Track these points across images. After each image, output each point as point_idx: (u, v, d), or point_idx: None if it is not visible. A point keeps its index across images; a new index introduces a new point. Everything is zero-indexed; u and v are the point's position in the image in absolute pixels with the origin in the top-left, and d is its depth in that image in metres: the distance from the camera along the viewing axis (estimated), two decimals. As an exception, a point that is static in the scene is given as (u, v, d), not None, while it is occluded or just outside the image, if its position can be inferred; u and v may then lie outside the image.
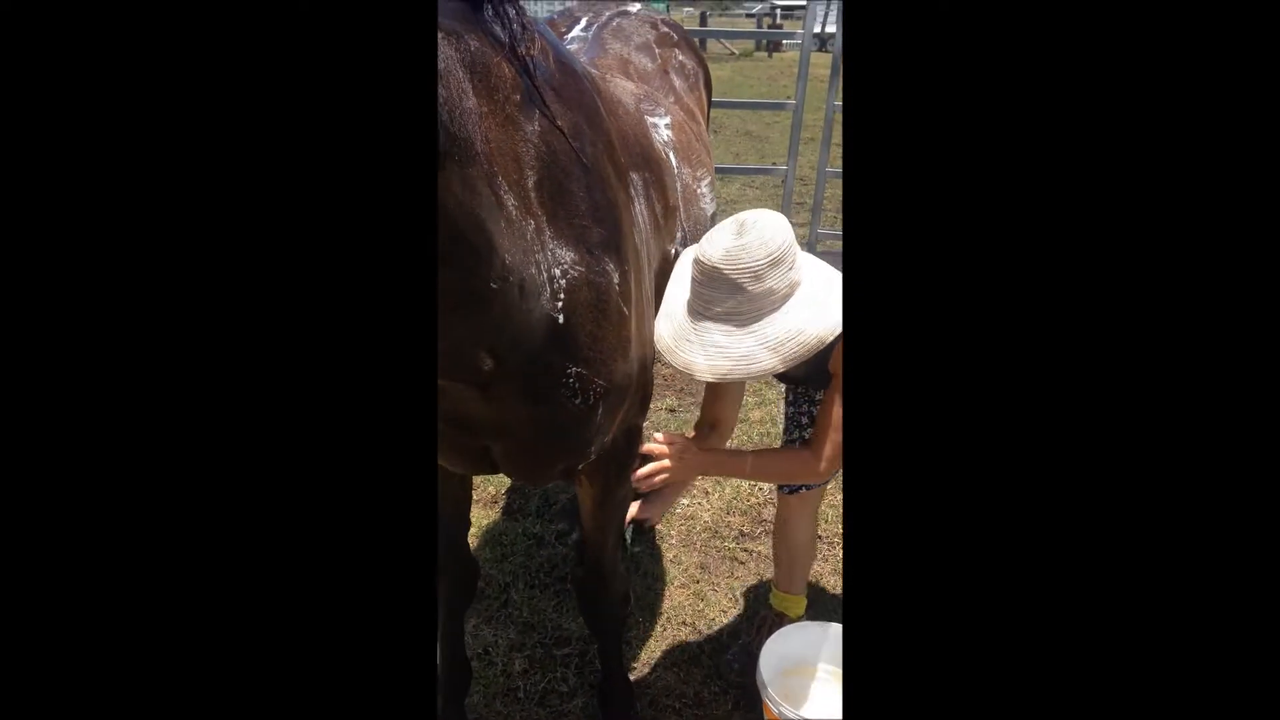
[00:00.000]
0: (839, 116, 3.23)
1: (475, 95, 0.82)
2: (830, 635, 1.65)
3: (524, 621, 1.93)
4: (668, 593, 2.06)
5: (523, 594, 2.02)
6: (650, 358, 1.25)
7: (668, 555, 2.20)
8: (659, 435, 1.36)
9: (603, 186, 1.07)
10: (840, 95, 3.55)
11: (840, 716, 1.47)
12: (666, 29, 1.80)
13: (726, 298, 1.17)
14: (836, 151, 7.84)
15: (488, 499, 2.40)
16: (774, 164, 5.99)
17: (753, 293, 1.16)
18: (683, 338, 1.21)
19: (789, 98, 3.53)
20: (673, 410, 2.98)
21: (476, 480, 2.32)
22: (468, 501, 1.55)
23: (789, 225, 1.24)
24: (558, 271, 0.98)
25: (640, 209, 1.22)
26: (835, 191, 5.98)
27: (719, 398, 1.57)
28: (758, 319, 1.17)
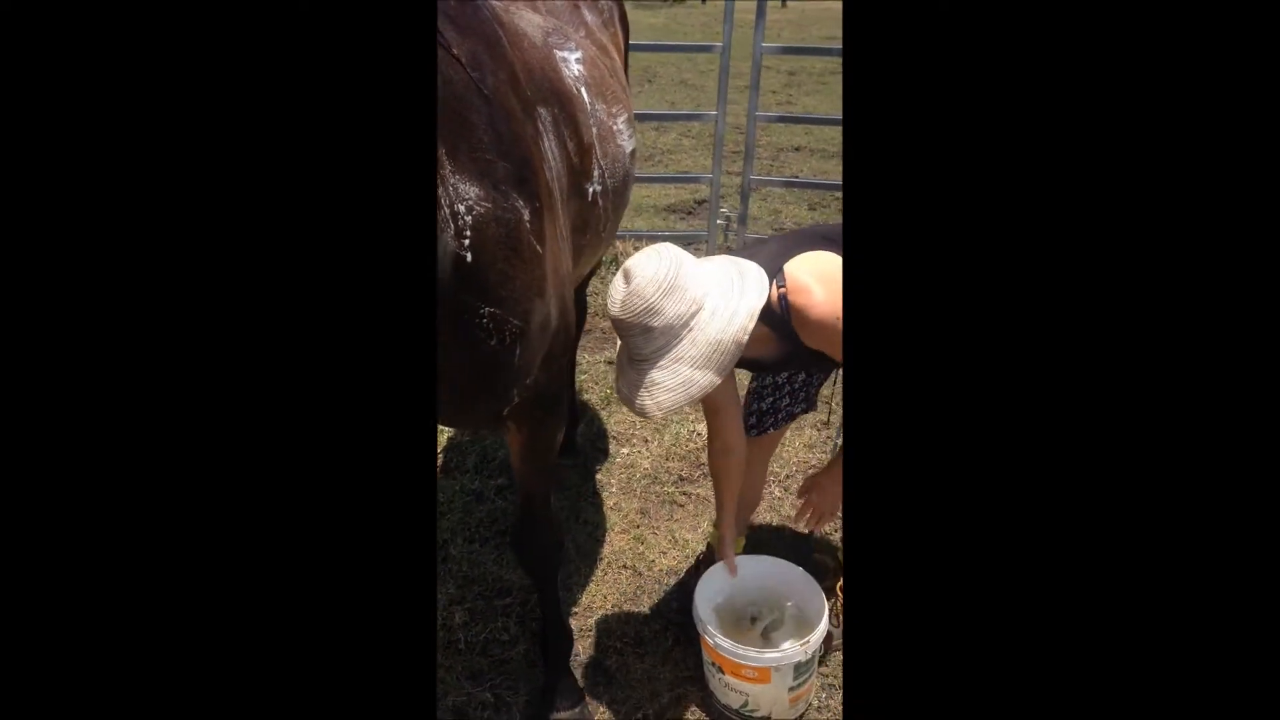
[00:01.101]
0: (767, 60, 3.20)
1: None
2: (761, 570, 1.70)
3: (464, 575, 1.93)
4: (608, 538, 2.08)
5: (461, 549, 2.01)
6: (570, 297, 1.23)
7: (608, 503, 2.22)
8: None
9: (507, 119, 1.03)
10: (766, 38, 3.51)
11: (772, 649, 1.54)
12: None
13: (643, 340, 1.25)
14: (769, 97, 7.78)
15: (424, 458, 2.36)
16: (708, 111, 5.91)
17: (660, 327, 1.23)
18: (633, 386, 1.28)
19: (720, 39, 3.47)
20: (611, 362, 2.97)
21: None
22: None
23: (674, 250, 1.29)
24: (462, 208, 0.95)
25: (550, 145, 1.19)
26: (768, 138, 5.98)
27: (718, 420, 1.60)
28: (678, 345, 1.24)
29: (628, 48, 1.98)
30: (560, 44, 1.39)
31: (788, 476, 2.33)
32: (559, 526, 1.52)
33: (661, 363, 1.25)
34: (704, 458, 2.41)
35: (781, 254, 1.36)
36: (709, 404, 1.56)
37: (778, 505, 2.21)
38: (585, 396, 2.73)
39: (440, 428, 1.63)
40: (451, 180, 0.93)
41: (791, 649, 1.48)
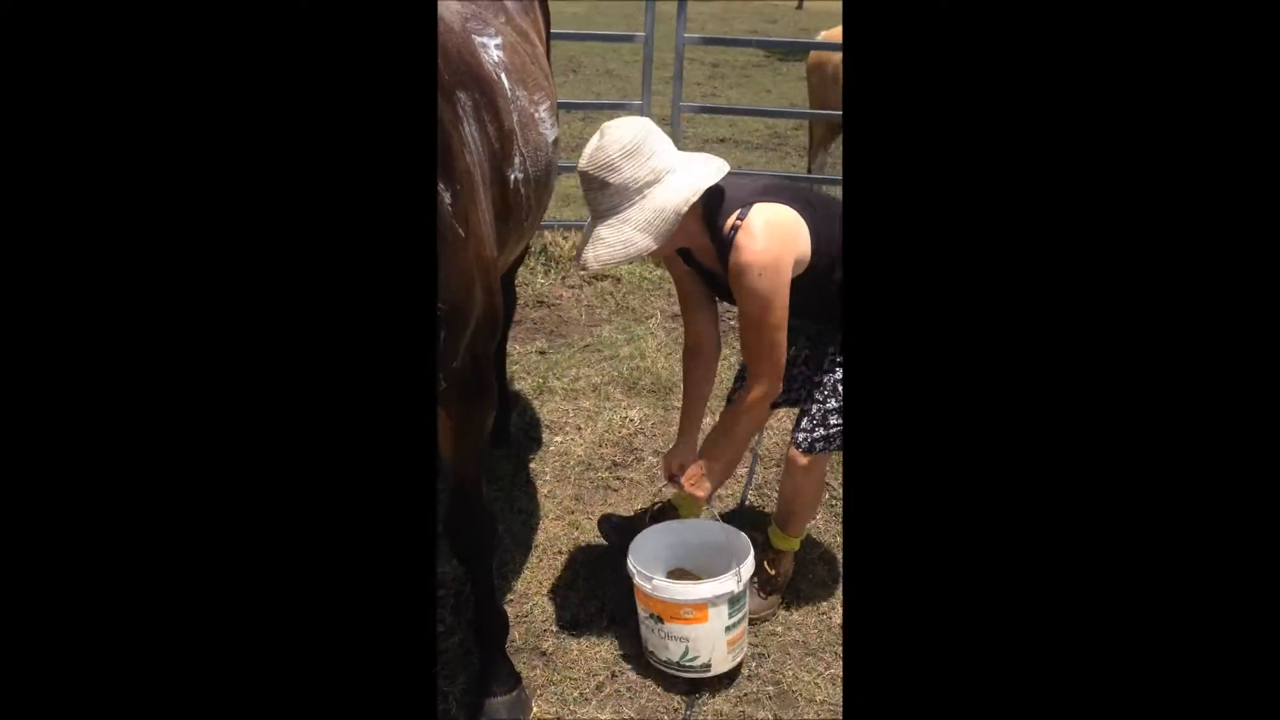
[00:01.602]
0: (690, 52, 3.25)
1: None
2: (689, 533, 1.79)
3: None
4: (543, 525, 2.10)
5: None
6: (495, 283, 1.24)
7: (542, 490, 2.23)
8: (678, 479, 1.70)
9: None
10: (688, 30, 3.56)
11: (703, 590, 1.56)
12: None
13: (600, 196, 1.37)
14: (693, 89, 7.83)
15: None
16: (633, 101, 5.95)
17: (615, 185, 1.35)
18: (583, 240, 1.42)
19: (643, 29, 3.49)
20: (543, 353, 2.97)
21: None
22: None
23: (649, 124, 1.39)
24: None
25: (470, 130, 1.19)
26: (694, 129, 6.06)
27: (691, 316, 1.73)
28: (629, 207, 1.35)
29: (549, 35, 1.98)
30: (479, 30, 1.39)
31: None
32: (492, 512, 1.52)
33: (610, 221, 1.36)
34: (636, 443, 2.45)
35: (756, 195, 1.47)
36: (680, 296, 1.73)
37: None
38: (517, 386, 2.72)
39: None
40: None
41: (724, 579, 1.53)
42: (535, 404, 2.64)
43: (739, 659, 1.65)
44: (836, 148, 4.30)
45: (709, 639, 1.55)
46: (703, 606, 1.52)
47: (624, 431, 2.50)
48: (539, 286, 3.46)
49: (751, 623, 1.76)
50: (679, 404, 2.67)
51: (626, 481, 2.27)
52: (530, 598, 1.86)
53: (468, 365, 1.22)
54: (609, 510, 2.13)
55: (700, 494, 1.69)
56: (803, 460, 1.69)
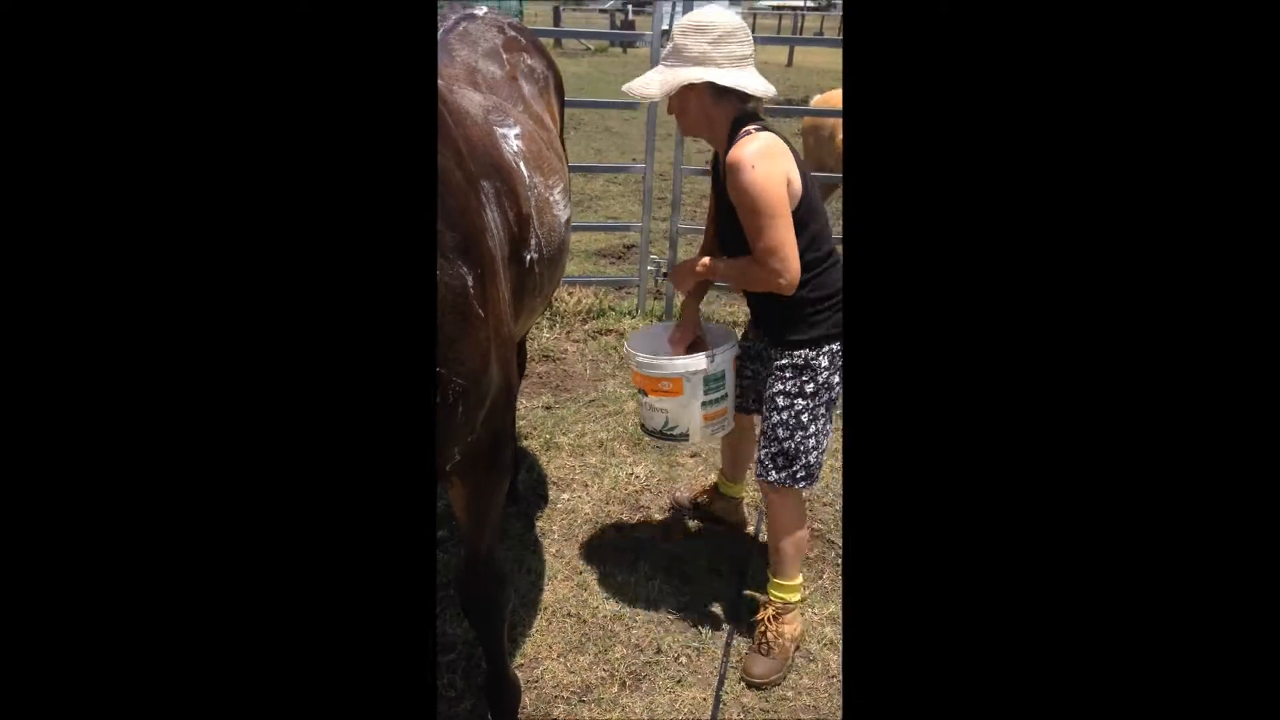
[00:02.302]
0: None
1: None
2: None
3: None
4: (551, 586, 2.11)
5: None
6: (511, 360, 1.29)
7: (550, 550, 2.25)
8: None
9: (452, 192, 1.10)
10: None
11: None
12: (514, 33, 1.83)
13: (671, 47, 1.62)
14: (693, 149, 8.15)
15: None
16: (634, 160, 6.14)
17: (676, 44, 1.60)
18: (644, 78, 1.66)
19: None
20: (549, 408, 3.02)
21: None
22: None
23: (745, 32, 1.61)
24: None
25: (493, 215, 1.26)
26: (694, 186, 6.23)
27: (711, 228, 1.94)
28: (676, 66, 1.61)
29: (563, 111, 2.09)
30: (500, 121, 1.48)
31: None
32: (505, 579, 1.55)
33: (660, 68, 1.64)
34: (643, 500, 2.48)
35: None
36: (705, 239, 1.97)
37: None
38: (525, 442, 2.76)
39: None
40: None
41: (696, 358, 1.76)
42: (542, 460, 2.68)
43: (718, 434, 1.93)
44: (834, 201, 4.43)
45: (684, 410, 1.80)
46: (678, 380, 1.76)
47: (630, 489, 2.53)
48: (545, 341, 3.53)
49: (757, 688, 1.80)
50: (684, 460, 2.72)
51: (634, 541, 2.29)
52: (540, 662, 1.87)
53: (484, 439, 1.27)
54: (617, 572, 2.15)
55: (681, 287, 1.91)
56: (773, 494, 1.82)
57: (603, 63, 13.80)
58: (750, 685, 1.81)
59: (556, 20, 15.35)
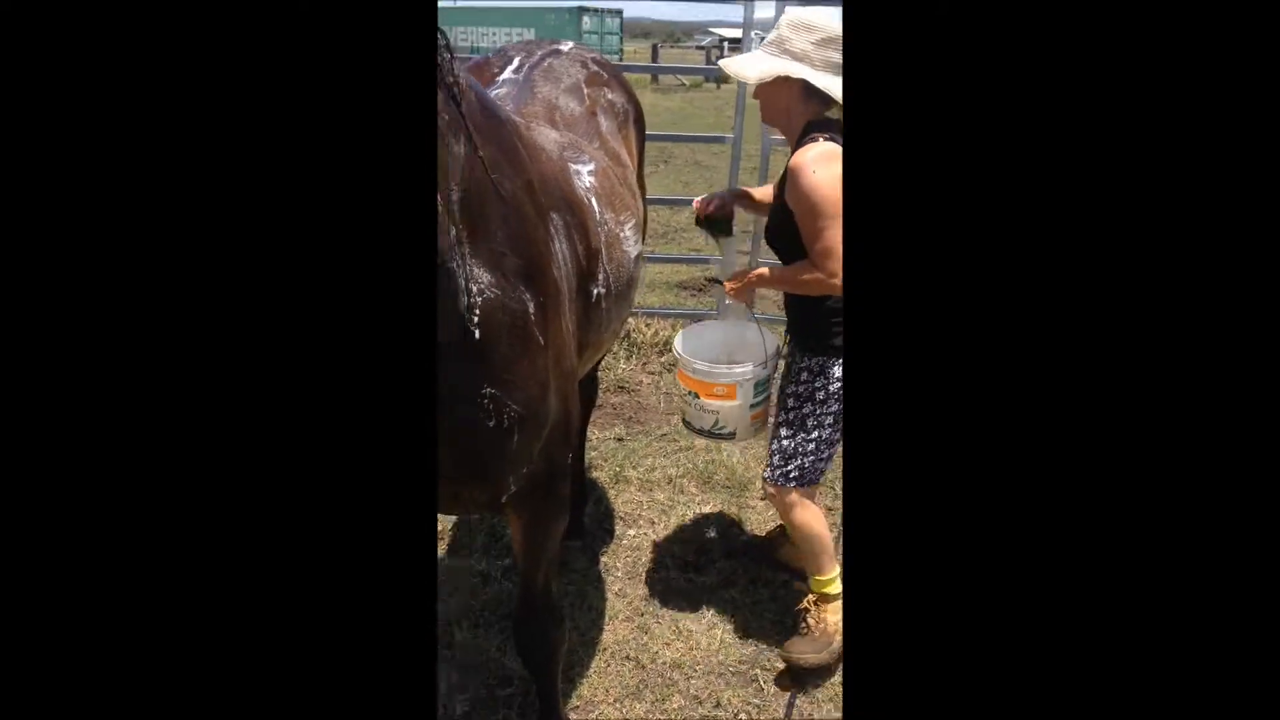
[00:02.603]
0: (775, 149, 3.35)
1: None
2: (725, 331, 2.11)
3: (465, 663, 1.91)
4: (611, 626, 2.07)
5: (466, 634, 2.00)
6: (572, 392, 1.28)
7: (612, 588, 2.21)
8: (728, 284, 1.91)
9: (520, 220, 1.12)
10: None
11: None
12: (597, 68, 1.86)
13: (775, 36, 1.66)
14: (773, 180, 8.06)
15: (431, 538, 2.37)
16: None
17: (781, 35, 1.64)
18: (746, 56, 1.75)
19: (732, 129, 3.64)
20: (620, 440, 3.00)
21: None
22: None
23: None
24: (474, 288, 1.03)
25: (561, 247, 1.27)
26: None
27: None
28: (776, 57, 1.64)
29: (643, 145, 2.09)
30: (574, 158, 1.50)
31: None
32: (561, 617, 1.52)
33: (760, 52, 1.69)
34: (710, 541, 2.40)
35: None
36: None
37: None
38: (595, 474, 2.75)
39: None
40: (469, 261, 1.02)
41: (748, 367, 1.87)
42: (610, 493, 2.65)
43: (760, 432, 2.02)
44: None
45: (735, 413, 1.91)
46: (732, 387, 1.87)
47: (697, 529, 2.46)
48: (620, 371, 3.53)
49: (799, 674, 1.89)
50: (754, 502, 2.62)
51: (698, 586, 2.22)
52: (596, 706, 1.82)
53: (541, 470, 1.25)
54: (679, 617, 2.08)
55: (735, 296, 1.93)
56: (771, 490, 1.90)
57: (697, 98, 13.99)
58: (791, 669, 1.88)
59: (654, 56, 15.73)
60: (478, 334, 1.03)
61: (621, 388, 3.42)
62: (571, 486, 2.36)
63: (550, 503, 1.32)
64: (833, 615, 1.89)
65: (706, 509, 2.55)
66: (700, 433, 1.99)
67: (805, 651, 1.86)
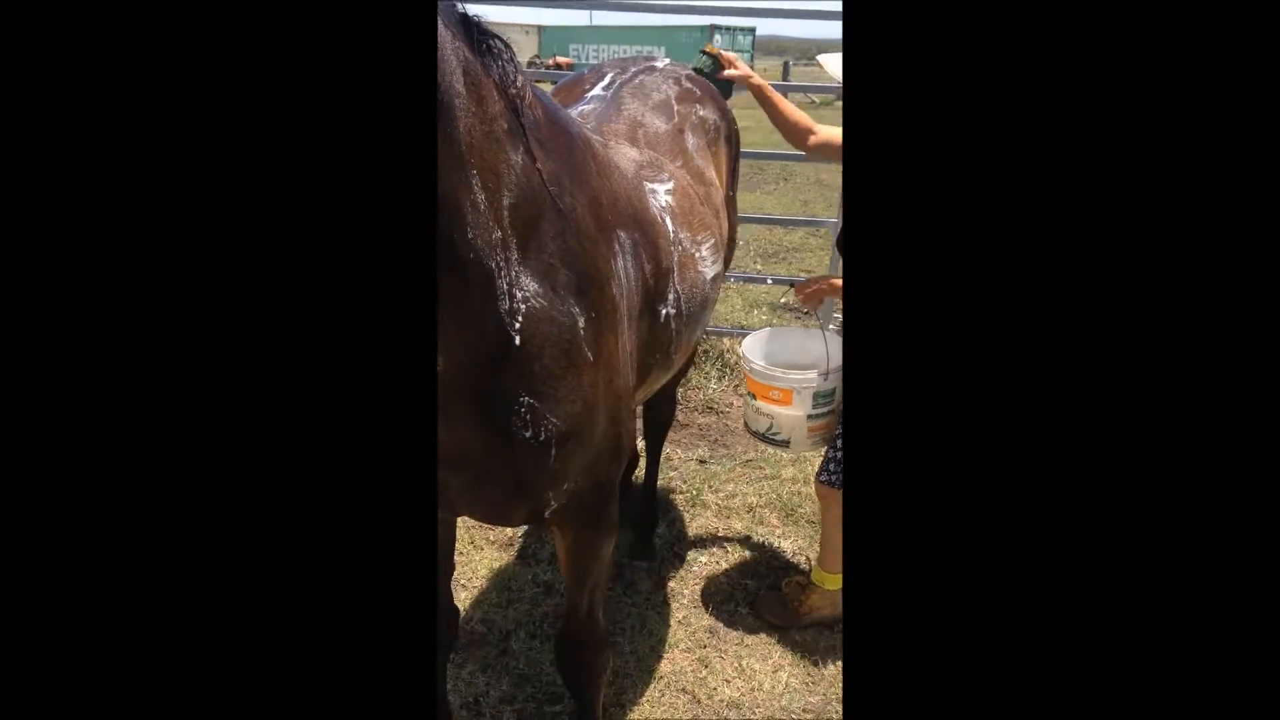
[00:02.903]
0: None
1: (465, 90, 0.90)
2: (794, 338, 2.13)
3: (519, 673, 1.91)
4: (670, 655, 2.00)
5: (523, 643, 2.00)
6: (626, 412, 1.25)
7: (677, 615, 2.15)
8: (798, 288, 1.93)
9: (577, 235, 1.10)
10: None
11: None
12: (690, 84, 1.83)
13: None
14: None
15: (503, 541, 2.41)
16: (827, 217, 5.96)
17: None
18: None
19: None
20: (703, 462, 2.93)
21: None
22: (450, 543, 1.57)
23: None
24: (519, 294, 1.02)
25: (624, 265, 1.24)
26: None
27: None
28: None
29: (737, 163, 2.03)
30: (652, 176, 1.47)
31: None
32: (604, 641, 1.48)
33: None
34: (784, 579, 2.29)
35: None
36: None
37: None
38: (672, 495, 2.70)
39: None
40: (516, 268, 1.01)
41: (810, 375, 1.84)
42: (686, 516, 2.59)
43: (819, 446, 1.97)
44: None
45: (790, 421, 1.89)
46: (788, 392, 1.85)
47: (774, 563, 2.35)
48: (710, 392, 3.46)
49: (756, 619, 2.06)
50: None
51: (765, 622, 2.11)
52: (642, 736, 1.77)
53: (586, 490, 1.23)
54: (742, 654, 1.99)
55: (809, 303, 1.96)
56: (824, 490, 1.94)
57: (826, 115, 13.66)
58: (753, 614, 2.08)
59: (785, 74, 15.55)
60: (518, 340, 1.02)
61: (710, 408, 3.35)
62: (644, 506, 2.37)
63: (596, 523, 1.29)
64: (813, 599, 2.03)
65: (786, 544, 2.44)
66: (756, 435, 1.99)
67: (773, 615, 2.06)
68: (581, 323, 1.09)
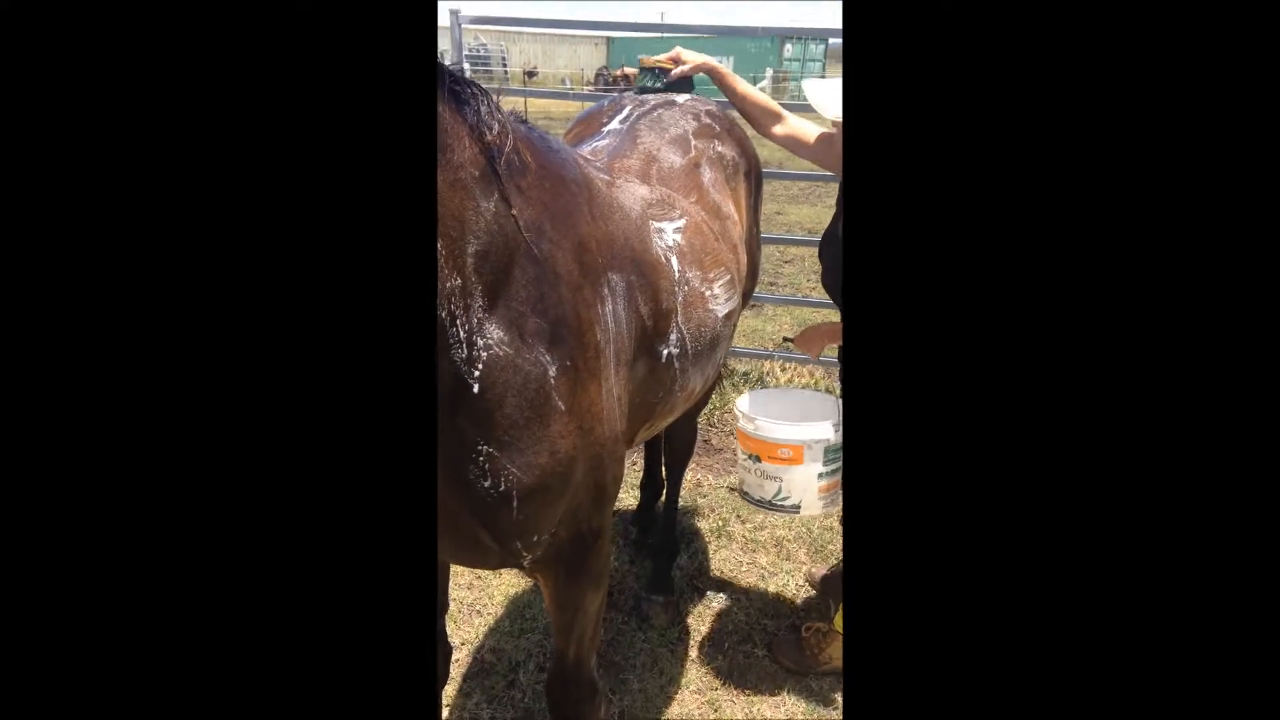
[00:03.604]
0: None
1: None
2: (791, 396, 2.04)
3: (525, 706, 1.90)
4: (680, 697, 1.95)
5: (531, 676, 1.99)
6: (610, 460, 1.21)
7: (690, 653, 2.09)
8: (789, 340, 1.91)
9: (553, 282, 1.09)
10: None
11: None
12: (709, 120, 1.79)
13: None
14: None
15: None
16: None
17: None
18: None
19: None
20: (733, 489, 2.87)
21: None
22: (443, 580, 1.57)
23: None
24: (480, 341, 1.01)
25: (614, 309, 1.21)
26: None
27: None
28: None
29: (758, 199, 1.98)
30: (660, 215, 1.44)
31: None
32: (594, 691, 1.45)
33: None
34: (802, 622, 2.20)
35: None
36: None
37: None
38: (698, 522, 2.65)
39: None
40: (478, 314, 1.00)
41: (820, 425, 1.73)
42: (710, 547, 2.54)
43: (830, 508, 1.83)
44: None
45: (802, 481, 1.74)
46: (799, 448, 1.71)
47: (795, 605, 2.27)
48: (749, 418, 3.39)
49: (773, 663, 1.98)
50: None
51: (781, 669, 2.03)
52: (641, 782, 1.72)
53: (564, 541, 1.20)
54: (755, 701, 1.92)
55: (810, 352, 1.89)
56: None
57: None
58: (769, 657, 2.00)
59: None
60: (476, 388, 1.01)
61: (747, 434, 3.28)
62: (664, 537, 2.32)
63: (577, 574, 1.26)
64: (834, 650, 1.94)
65: (809, 594, 2.35)
66: (760, 504, 1.81)
67: (789, 659, 1.98)
68: (553, 371, 1.07)
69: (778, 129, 1.86)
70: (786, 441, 1.72)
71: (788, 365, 3.65)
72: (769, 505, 1.80)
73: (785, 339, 2.21)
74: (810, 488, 1.75)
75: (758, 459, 1.77)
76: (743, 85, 1.88)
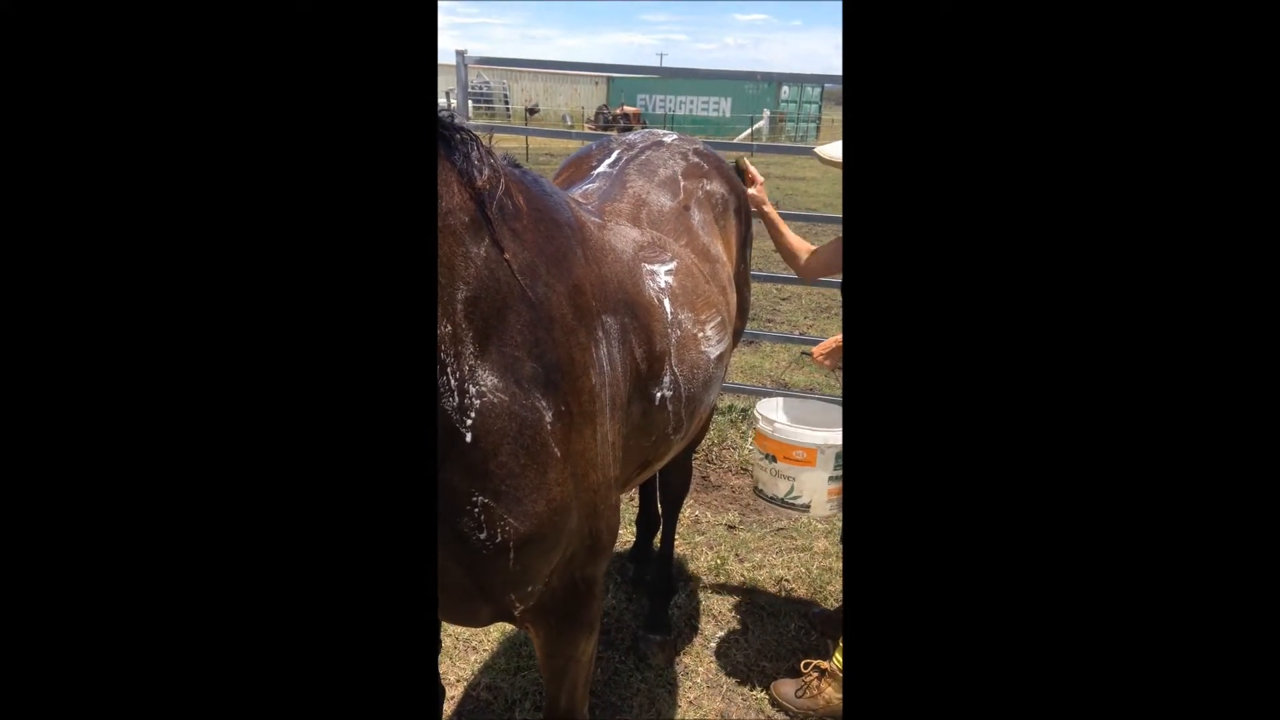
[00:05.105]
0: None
1: None
2: (808, 405, 2.17)
3: (519, 749, 1.88)
4: (677, 740, 1.93)
5: (527, 714, 1.97)
6: (605, 506, 1.21)
7: (686, 696, 2.07)
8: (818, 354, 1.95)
9: (549, 325, 1.08)
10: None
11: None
12: (698, 159, 1.82)
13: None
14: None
15: (521, 605, 2.40)
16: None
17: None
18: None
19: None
20: (732, 527, 2.86)
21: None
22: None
23: None
24: (473, 389, 0.99)
25: (609, 352, 1.22)
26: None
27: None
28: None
29: (747, 235, 2.01)
30: (652, 258, 1.46)
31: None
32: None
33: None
34: (801, 668, 2.18)
35: None
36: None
37: None
38: (697, 560, 2.63)
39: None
40: (470, 361, 0.99)
41: (835, 433, 1.82)
42: (709, 586, 2.52)
43: (838, 511, 1.95)
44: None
45: (813, 482, 1.86)
46: (812, 451, 1.83)
47: (795, 645, 2.24)
48: (745, 452, 3.38)
49: (772, 704, 1.96)
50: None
51: (783, 711, 2.00)
52: (637, 830, 1.69)
53: (558, 591, 1.19)
54: (751, 743, 1.89)
55: (831, 365, 1.96)
56: None
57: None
58: (768, 699, 1.98)
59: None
60: (469, 437, 0.99)
61: (745, 469, 3.27)
62: (660, 576, 2.30)
63: (570, 623, 1.24)
64: (832, 692, 1.96)
65: (807, 636, 2.32)
66: (773, 501, 1.95)
67: (786, 701, 1.98)
68: (549, 416, 1.06)
69: (810, 260, 2.05)
70: (802, 444, 1.85)
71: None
72: (781, 503, 1.94)
73: (804, 352, 2.33)
74: (820, 490, 1.87)
75: (774, 458, 1.90)
76: (787, 231, 2.08)
